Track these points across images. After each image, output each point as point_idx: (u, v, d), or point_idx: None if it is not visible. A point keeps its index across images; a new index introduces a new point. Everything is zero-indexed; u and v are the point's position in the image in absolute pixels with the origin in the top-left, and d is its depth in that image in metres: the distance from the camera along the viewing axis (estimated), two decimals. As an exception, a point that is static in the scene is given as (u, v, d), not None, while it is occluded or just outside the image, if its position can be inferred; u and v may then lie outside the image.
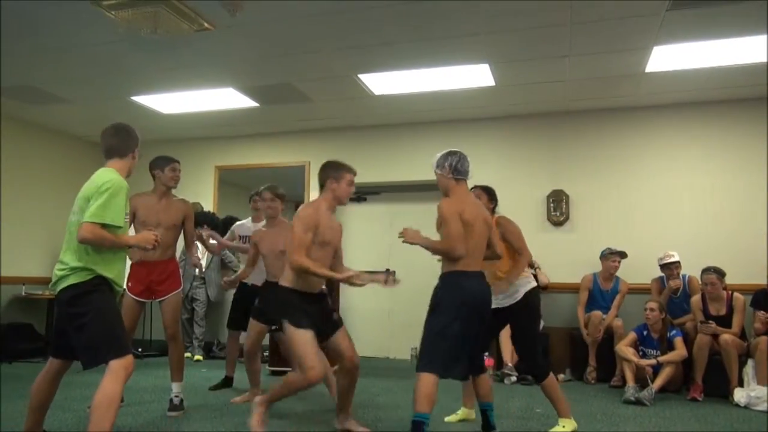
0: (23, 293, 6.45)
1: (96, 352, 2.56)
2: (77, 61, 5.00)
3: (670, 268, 5.29)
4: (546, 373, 3.38)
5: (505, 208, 6.23)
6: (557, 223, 6.19)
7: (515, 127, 6.43)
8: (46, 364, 2.82)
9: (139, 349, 6.60)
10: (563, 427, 3.36)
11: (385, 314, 6.86)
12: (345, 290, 6.17)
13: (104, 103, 6.15)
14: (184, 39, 4.41)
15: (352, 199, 7.40)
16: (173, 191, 4.06)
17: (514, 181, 6.30)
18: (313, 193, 7.01)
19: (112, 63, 5.05)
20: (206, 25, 4.23)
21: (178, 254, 4.25)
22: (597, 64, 4.99)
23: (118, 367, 2.53)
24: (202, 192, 7.41)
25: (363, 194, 7.13)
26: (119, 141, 2.94)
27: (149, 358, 6.51)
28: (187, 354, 6.51)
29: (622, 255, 5.59)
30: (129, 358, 2.60)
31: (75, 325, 2.60)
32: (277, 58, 4.91)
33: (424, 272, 6.75)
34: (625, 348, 4.86)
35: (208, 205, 7.32)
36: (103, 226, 2.60)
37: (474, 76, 5.23)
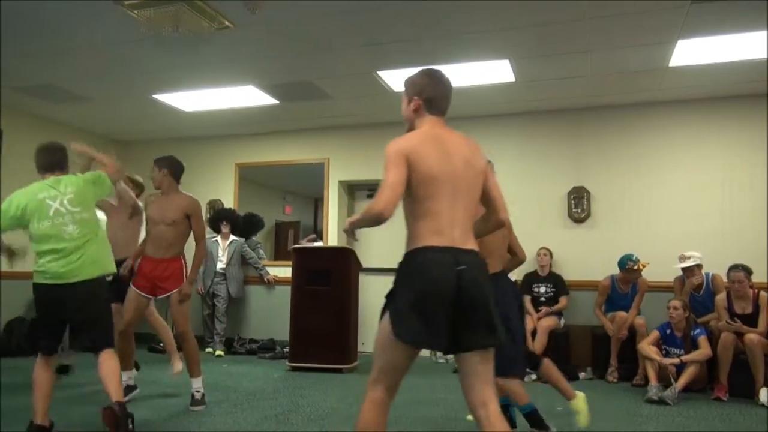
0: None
1: None
2: (99, 59, 5.06)
3: (690, 270, 5.20)
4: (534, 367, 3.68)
5: (525, 205, 6.23)
6: (578, 220, 6.13)
7: (535, 124, 6.38)
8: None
9: (161, 344, 6.67)
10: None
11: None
12: (364, 289, 6.18)
13: (126, 101, 6.23)
14: (204, 37, 4.44)
15: (369, 196, 7.47)
16: (182, 188, 4.12)
17: (534, 178, 6.26)
18: (332, 189, 7.04)
19: (133, 61, 5.10)
20: (227, 23, 4.26)
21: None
22: (619, 59, 4.92)
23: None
24: (222, 189, 7.47)
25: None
26: (61, 157, 3.34)
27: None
28: (209, 349, 6.59)
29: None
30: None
31: None
32: (297, 55, 4.93)
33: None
34: (648, 347, 4.80)
35: (229, 202, 7.39)
36: None
37: (494, 71, 5.20)
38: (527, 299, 5.74)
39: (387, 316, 2.01)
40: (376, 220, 1.95)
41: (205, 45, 4.66)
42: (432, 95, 2.17)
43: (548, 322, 5.53)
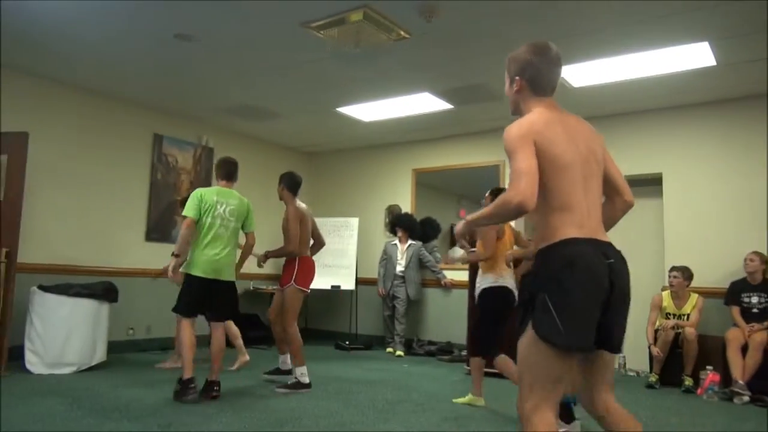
0: (251, 288, 7.34)
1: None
2: (290, 79, 5.55)
3: None
4: (473, 354, 4.19)
5: (729, 204, 5.53)
6: (799, 220, 5.27)
7: (741, 111, 5.62)
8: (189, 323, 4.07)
9: (347, 342, 7.11)
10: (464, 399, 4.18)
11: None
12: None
13: (313, 115, 6.75)
14: (383, 49, 4.65)
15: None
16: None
17: (740, 172, 5.52)
18: (509, 192, 6.90)
19: (319, 78, 5.51)
20: (403, 33, 4.40)
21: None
22: None
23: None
24: (400, 194, 7.74)
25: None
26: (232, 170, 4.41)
27: (355, 351, 6.97)
28: (389, 349, 6.86)
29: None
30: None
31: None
32: (471, 58, 4.93)
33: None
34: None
35: (406, 207, 7.62)
36: None
37: (690, 56, 4.70)
38: (736, 311, 5.09)
39: (533, 327, 1.77)
40: (515, 212, 1.73)
41: (383, 56, 4.88)
42: (535, 74, 1.95)
43: (762, 337, 4.83)
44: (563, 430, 3.43)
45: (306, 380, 4.41)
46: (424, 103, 6.10)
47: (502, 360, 3.90)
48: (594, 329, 1.74)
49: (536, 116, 1.88)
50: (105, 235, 6.06)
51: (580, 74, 5.13)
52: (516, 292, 4.01)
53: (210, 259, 4.02)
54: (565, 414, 3.39)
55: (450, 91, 5.74)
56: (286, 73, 5.37)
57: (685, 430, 3.65)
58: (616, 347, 1.81)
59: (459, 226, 2.00)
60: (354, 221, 7.53)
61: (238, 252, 4.36)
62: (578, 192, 1.82)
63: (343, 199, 8.04)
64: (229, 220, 4.15)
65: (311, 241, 4.77)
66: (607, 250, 1.81)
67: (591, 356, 1.84)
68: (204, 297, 4.05)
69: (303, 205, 4.68)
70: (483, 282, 4.07)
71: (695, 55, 4.68)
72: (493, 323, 3.98)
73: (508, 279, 4.04)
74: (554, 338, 1.71)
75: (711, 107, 5.76)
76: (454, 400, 4.26)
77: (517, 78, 1.99)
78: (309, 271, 4.58)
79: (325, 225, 7.61)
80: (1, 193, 4.88)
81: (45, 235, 5.60)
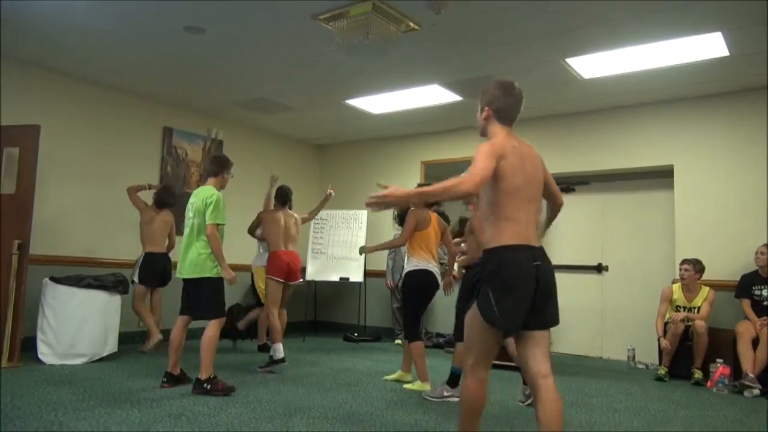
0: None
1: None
2: (299, 72, 5.54)
3: None
4: (414, 338, 4.43)
5: (740, 196, 5.48)
6: (812, 213, 5.22)
7: (754, 103, 5.55)
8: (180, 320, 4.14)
9: (355, 334, 7.13)
10: (412, 385, 4.43)
11: (598, 312, 6.46)
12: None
13: (322, 108, 6.74)
14: (392, 41, 4.63)
15: (564, 191, 7.11)
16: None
17: (752, 163, 5.47)
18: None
19: (329, 71, 5.50)
20: (412, 25, 4.38)
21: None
22: None
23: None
24: (409, 187, 7.69)
25: (571, 185, 6.79)
26: (215, 166, 4.27)
27: (364, 342, 6.99)
28: (398, 341, 6.88)
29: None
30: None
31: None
32: (481, 49, 4.90)
33: (638, 266, 6.28)
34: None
35: (415, 199, 7.60)
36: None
37: (703, 46, 4.65)
38: (747, 304, 5.05)
39: (476, 307, 2.33)
40: (460, 196, 2.25)
41: (392, 49, 4.86)
42: (501, 106, 2.42)
43: (774, 331, 4.80)
44: (448, 392, 4.02)
45: (279, 355, 4.83)
46: (433, 95, 6.08)
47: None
48: (522, 316, 2.27)
49: (503, 140, 2.37)
50: (116, 228, 6.10)
51: (590, 65, 5.09)
52: (439, 276, 4.53)
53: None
54: (453, 381, 4.02)
55: (459, 82, 5.71)
56: (295, 65, 5.37)
57: (694, 422, 3.63)
58: (544, 327, 2.33)
59: (402, 191, 2.24)
60: (363, 213, 7.54)
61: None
62: (521, 209, 2.33)
63: (352, 191, 8.04)
64: (188, 217, 4.15)
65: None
66: (537, 254, 2.31)
67: (526, 334, 2.33)
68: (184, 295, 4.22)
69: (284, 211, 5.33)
70: (408, 265, 4.54)
71: (708, 46, 4.63)
72: (417, 303, 4.49)
73: (431, 263, 4.46)
74: (492, 321, 2.27)
75: (724, 98, 5.70)
76: (384, 378, 4.74)
77: (486, 107, 2.45)
78: (280, 263, 5.08)
79: (334, 217, 7.64)
80: (14, 185, 4.92)
81: (56, 227, 5.65)
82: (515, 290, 2.25)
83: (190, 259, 4.03)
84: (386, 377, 4.76)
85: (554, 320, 2.36)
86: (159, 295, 5.80)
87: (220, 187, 4.24)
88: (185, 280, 4.09)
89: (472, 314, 2.36)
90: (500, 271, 2.27)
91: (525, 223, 2.32)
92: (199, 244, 4.04)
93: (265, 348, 5.80)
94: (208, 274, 4.02)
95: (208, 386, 3.92)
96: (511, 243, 2.28)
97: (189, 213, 4.13)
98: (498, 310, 2.24)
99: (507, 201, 2.31)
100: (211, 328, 4.00)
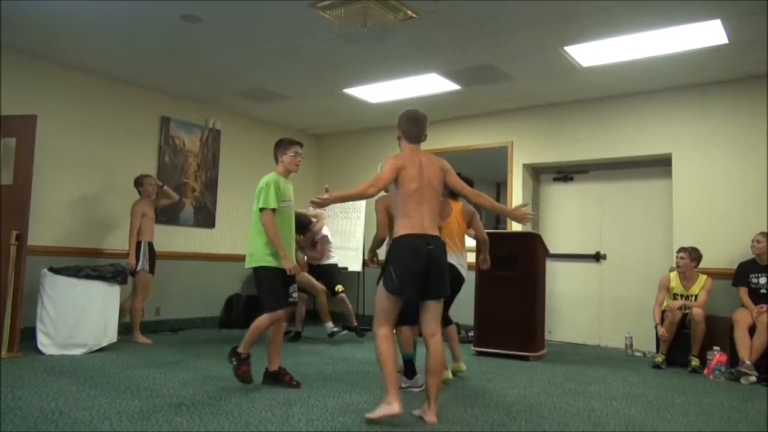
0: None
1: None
2: (297, 60, 5.52)
3: None
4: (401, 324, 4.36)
5: (738, 185, 5.48)
6: (811, 201, 5.23)
7: (752, 91, 5.54)
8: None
9: (354, 324, 7.13)
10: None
11: (596, 300, 6.49)
12: (551, 276, 5.97)
13: (319, 97, 6.72)
14: (390, 29, 4.60)
15: (556, 179, 7.15)
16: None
17: (751, 151, 5.47)
18: (516, 173, 6.88)
19: (325, 59, 5.47)
20: (410, 13, 4.36)
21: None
22: None
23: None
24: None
25: (569, 173, 6.79)
26: (274, 152, 4.09)
27: (363, 332, 7.01)
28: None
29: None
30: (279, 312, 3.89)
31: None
32: (480, 38, 4.88)
33: (636, 255, 6.29)
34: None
35: (413, 189, 7.59)
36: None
37: (702, 34, 4.63)
38: (744, 292, 5.07)
39: (382, 281, 3.11)
40: (364, 198, 3.23)
41: (390, 37, 4.83)
42: (406, 129, 3.32)
43: (770, 318, 4.83)
44: (406, 384, 3.97)
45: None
46: (432, 84, 6.05)
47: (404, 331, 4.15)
48: (416, 287, 3.05)
49: (406, 154, 3.27)
50: (114, 218, 6.09)
51: (589, 54, 5.07)
52: (463, 270, 4.39)
53: None
54: (409, 370, 4.02)
55: (457, 71, 5.69)
56: (292, 54, 5.34)
57: (691, 409, 3.66)
58: (437, 297, 3.13)
59: (335, 194, 3.10)
60: (361, 203, 7.53)
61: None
62: (417, 208, 3.13)
63: (350, 180, 7.99)
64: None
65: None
66: (430, 240, 3.10)
67: (424, 304, 3.13)
68: None
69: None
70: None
71: (707, 33, 4.61)
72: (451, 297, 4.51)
73: (452, 256, 4.27)
74: (392, 289, 3.06)
75: (722, 86, 5.69)
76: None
77: (398, 130, 3.35)
78: None
79: (332, 207, 7.62)
80: (11, 176, 4.91)
81: (54, 218, 5.64)
82: (411, 267, 3.02)
83: (248, 249, 3.93)
84: (446, 377, 4.25)
85: (445, 292, 3.14)
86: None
87: (286, 170, 4.02)
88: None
89: (379, 288, 3.12)
90: (399, 252, 3.07)
91: (420, 217, 3.10)
92: (253, 231, 3.91)
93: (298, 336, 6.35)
94: (261, 263, 3.85)
95: (235, 361, 3.88)
96: (409, 233, 3.07)
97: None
98: (399, 283, 3.02)
99: (405, 202, 3.11)
100: (262, 319, 3.85)
